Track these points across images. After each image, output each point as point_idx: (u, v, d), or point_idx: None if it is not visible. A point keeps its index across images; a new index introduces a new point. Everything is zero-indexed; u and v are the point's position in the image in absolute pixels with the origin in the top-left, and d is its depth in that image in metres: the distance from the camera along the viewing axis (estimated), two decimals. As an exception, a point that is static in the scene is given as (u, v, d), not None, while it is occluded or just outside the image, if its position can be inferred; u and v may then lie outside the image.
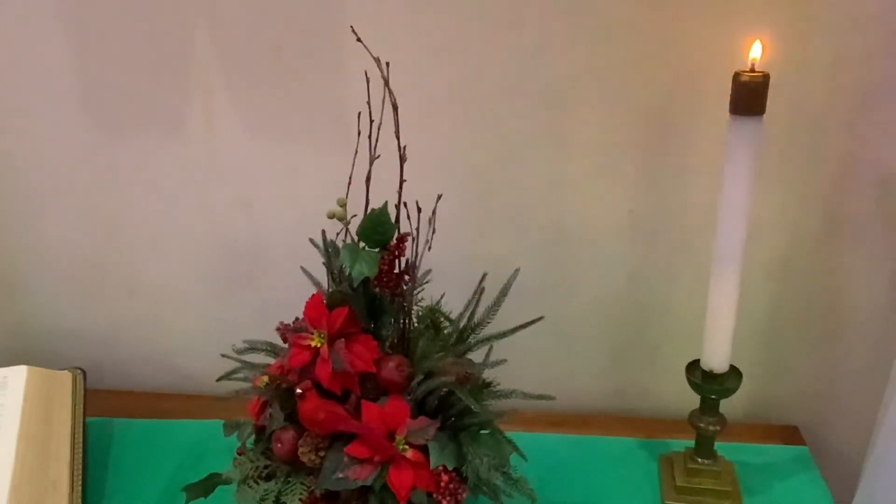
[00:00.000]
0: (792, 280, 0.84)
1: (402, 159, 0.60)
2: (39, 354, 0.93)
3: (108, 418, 0.88)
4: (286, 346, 0.65)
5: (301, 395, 0.60)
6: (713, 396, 0.74)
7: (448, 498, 0.60)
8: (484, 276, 0.67)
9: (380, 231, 0.61)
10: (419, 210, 0.61)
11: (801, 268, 0.83)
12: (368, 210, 0.61)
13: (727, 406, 0.75)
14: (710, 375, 0.73)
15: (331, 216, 0.62)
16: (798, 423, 0.89)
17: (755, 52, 0.64)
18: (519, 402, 0.65)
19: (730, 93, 0.64)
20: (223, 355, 0.67)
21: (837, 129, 0.77)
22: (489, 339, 0.66)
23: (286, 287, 0.70)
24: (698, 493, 0.77)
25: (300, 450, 0.61)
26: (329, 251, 0.66)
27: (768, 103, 0.63)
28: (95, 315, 0.94)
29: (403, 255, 0.63)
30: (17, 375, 0.79)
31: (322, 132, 0.82)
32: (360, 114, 0.60)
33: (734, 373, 0.74)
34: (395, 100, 0.59)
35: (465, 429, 0.63)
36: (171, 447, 0.84)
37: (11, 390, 0.78)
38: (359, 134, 0.60)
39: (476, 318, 0.67)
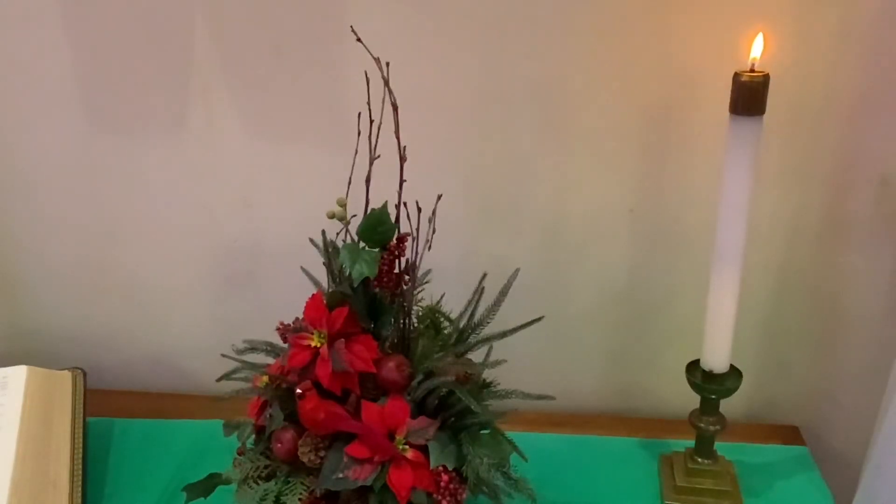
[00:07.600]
0: (792, 280, 0.84)
1: (402, 159, 0.60)
2: (39, 354, 0.93)
3: (108, 418, 0.88)
4: (286, 346, 0.65)
5: (301, 395, 0.59)
6: (713, 396, 0.74)
7: (448, 498, 0.60)
8: (484, 276, 0.67)
9: (380, 231, 0.61)
10: (419, 210, 0.61)
11: (801, 268, 0.83)
12: (368, 210, 0.61)
13: (727, 406, 0.75)
14: (710, 375, 0.73)
15: (331, 216, 0.62)
16: (798, 423, 0.89)
17: (756, 48, 0.64)
18: (519, 402, 0.65)
19: (730, 93, 0.64)
20: (223, 355, 0.67)
21: (837, 128, 0.77)
22: (489, 339, 0.66)
23: (286, 287, 0.70)
24: (698, 493, 0.77)
25: (300, 450, 0.61)
26: (329, 251, 0.66)
27: (768, 103, 0.63)
28: (95, 315, 0.94)
29: (403, 255, 0.63)
30: (17, 375, 0.79)
31: (322, 132, 0.82)
32: (360, 114, 0.60)
33: (734, 373, 0.74)
34: (395, 100, 0.59)
35: (465, 429, 0.63)
36: (171, 447, 0.84)
37: (11, 390, 0.78)
38: (359, 134, 0.60)
39: (476, 318, 0.67)
